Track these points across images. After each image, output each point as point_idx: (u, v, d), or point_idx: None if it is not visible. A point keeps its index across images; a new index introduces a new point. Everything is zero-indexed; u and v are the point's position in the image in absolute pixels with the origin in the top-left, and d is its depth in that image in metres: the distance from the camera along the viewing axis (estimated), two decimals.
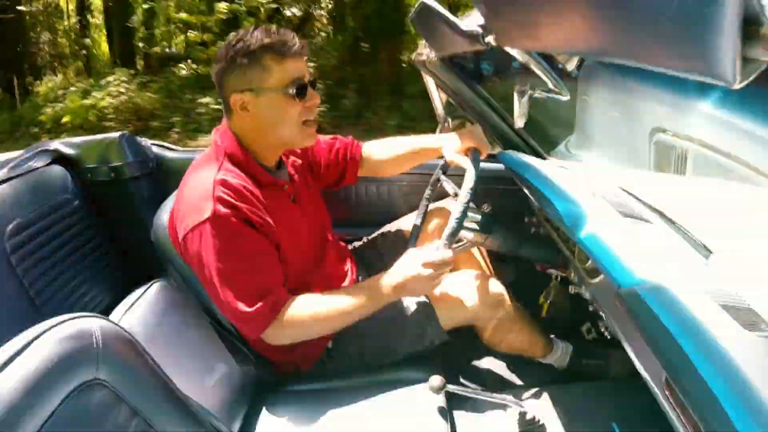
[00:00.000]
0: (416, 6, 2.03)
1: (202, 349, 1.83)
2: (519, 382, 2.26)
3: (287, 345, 1.80)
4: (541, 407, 1.87)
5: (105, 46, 16.26)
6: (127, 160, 2.57)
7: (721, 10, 0.63)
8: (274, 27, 1.72)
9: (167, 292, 1.87)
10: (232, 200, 1.64)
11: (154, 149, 2.76)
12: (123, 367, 1.20)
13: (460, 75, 2.44)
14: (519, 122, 2.23)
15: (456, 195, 1.97)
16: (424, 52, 2.42)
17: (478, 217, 2.10)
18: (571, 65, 1.80)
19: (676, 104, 2.49)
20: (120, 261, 2.58)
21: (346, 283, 2.13)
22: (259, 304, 1.66)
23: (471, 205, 1.85)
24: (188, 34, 10.30)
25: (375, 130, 8.50)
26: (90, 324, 1.16)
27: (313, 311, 1.74)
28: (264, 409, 1.83)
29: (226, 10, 9.36)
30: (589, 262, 1.67)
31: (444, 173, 2.25)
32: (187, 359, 1.73)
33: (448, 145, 2.17)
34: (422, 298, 2.00)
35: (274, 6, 10.34)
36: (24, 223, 2.08)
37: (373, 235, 2.55)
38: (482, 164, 1.99)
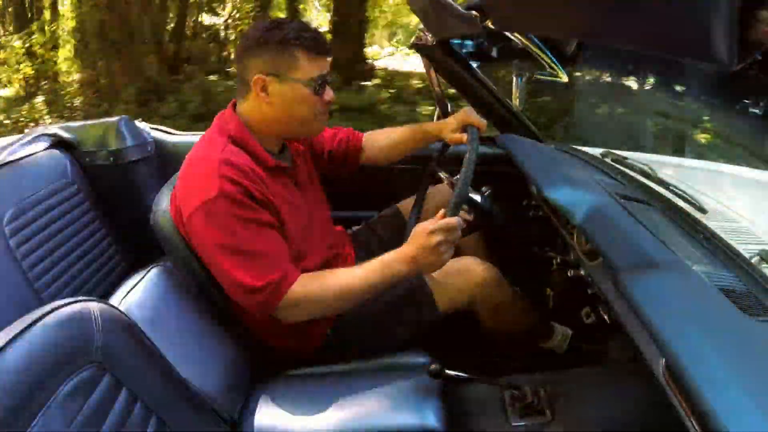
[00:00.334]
0: None
1: (201, 333, 1.83)
2: (517, 366, 2.26)
3: (287, 330, 1.80)
4: (540, 392, 1.87)
5: None
6: (126, 144, 2.56)
7: None
8: (310, 24, 1.79)
9: (167, 276, 1.87)
10: (238, 178, 1.64)
11: (153, 133, 2.76)
12: (123, 350, 1.21)
13: (458, 59, 2.44)
14: (517, 105, 2.23)
15: (452, 184, 1.97)
16: (422, 35, 2.42)
17: (478, 199, 2.10)
18: (569, 48, 1.80)
19: (674, 88, 2.49)
20: (119, 245, 2.58)
21: (345, 267, 2.13)
22: (270, 278, 1.66)
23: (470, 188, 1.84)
24: None
25: None
26: (89, 308, 1.16)
27: (326, 286, 1.74)
28: (263, 393, 1.83)
29: None
30: (588, 245, 1.67)
31: (438, 164, 2.25)
32: (186, 343, 1.73)
33: (445, 127, 2.17)
34: (420, 282, 2.00)
35: None
36: (23, 207, 2.07)
37: (372, 219, 2.56)
38: (481, 148, 1.99)
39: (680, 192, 1.78)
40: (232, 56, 12.39)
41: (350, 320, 1.93)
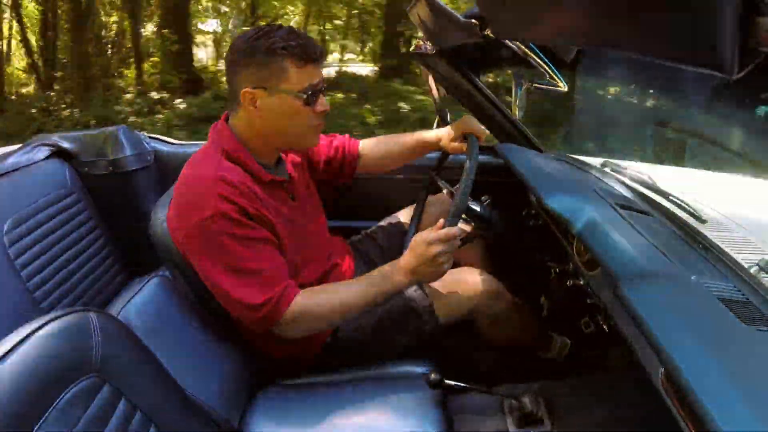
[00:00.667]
0: None
1: (201, 342, 1.82)
2: (516, 376, 2.26)
3: (286, 339, 1.80)
4: (539, 401, 1.87)
5: None
6: (125, 153, 2.57)
7: (720, 0, 0.63)
8: (298, 30, 1.71)
9: (166, 285, 1.87)
10: (233, 196, 1.62)
11: (152, 143, 2.76)
12: (122, 360, 1.21)
13: (458, 67, 2.44)
14: (517, 114, 2.23)
15: (451, 194, 1.97)
16: (421, 44, 2.42)
17: (477, 208, 2.10)
18: (569, 57, 1.80)
19: (675, 96, 2.50)
20: (118, 254, 2.58)
21: (344, 278, 2.13)
22: (269, 295, 1.64)
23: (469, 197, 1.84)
24: None
25: None
26: (88, 318, 1.16)
27: (325, 301, 1.73)
28: (263, 402, 1.83)
29: None
30: (587, 254, 1.67)
31: (437, 173, 2.25)
32: (186, 353, 1.73)
33: (445, 136, 2.17)
34: (420, 292, 1.99)
35: None
36: (22, 216, 2.08)
37: (372, 228, 2.55)
38: (481, 157, 1.99)
39: (679, 201, 1.78)
40: None
41: (350, 329, 1.93)
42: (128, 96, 13.07)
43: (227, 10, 16.80)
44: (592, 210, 1.57)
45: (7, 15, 14.36)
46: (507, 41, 1.89)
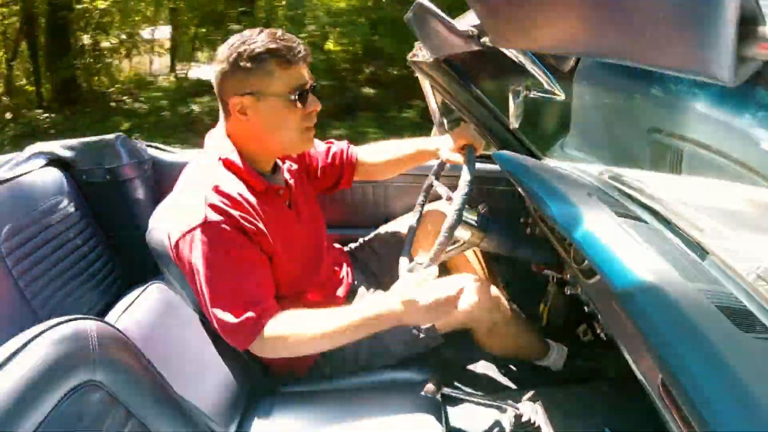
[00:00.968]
0: (412, 6, 2.03)
1: (197, 351, 1.82)
2: (514, 384, 2.26)
3: None
4: (537, 410, 1.87)
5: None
6: (122, 161, 2.57)
7: (718, 9, 0.63)
8: (279, 32, 1.68)
9: (163, 294, 1.87)
10: (225, 207, 1.62)
11: (150, 151, 2.76)
12: (119, 369, 1.20)
13: (456, 76, 2.45)
14: (514, 122, 2.23)
15: (450, 199, 1.97)
16: (419, 52, 2.42)
17: (474, 217, 2.10)
18: (567, 65, 1.80)
19: (672, 104, 2.50)
20: (116, 263, 2.58)
21: (342, 287, 2.12)
22: (245, 316, 1.62)
23: (466, 206, 1.84)
24: None
25: None
26: (86, 326, 1.16)
27: (301, 329, 1.67)
28: (259, 410, 1.83)
29: None
30: (585, 262, 1.67)
31: (437, 179, 2.24)
32: (182, 361, 1.72)
33: (443, 145, 2.16)
34: None
35: None
36: (20, 225, 2.07)
37: (369, 236, 2.55)
38: (478, 165, 1.99)
39: (677, 209, 1.78)
40: None
41: None
42: None
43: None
44: (590, 218, 1.57)
45: None
46: (504, 50, 1.89)
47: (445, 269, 2.42)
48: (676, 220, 1.69)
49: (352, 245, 2.53)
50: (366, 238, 2.54)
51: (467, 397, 1.83)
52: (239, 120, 1.71)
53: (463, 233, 2.10)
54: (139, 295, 1.80)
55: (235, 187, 1.68)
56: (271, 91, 1.66)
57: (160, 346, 1.66)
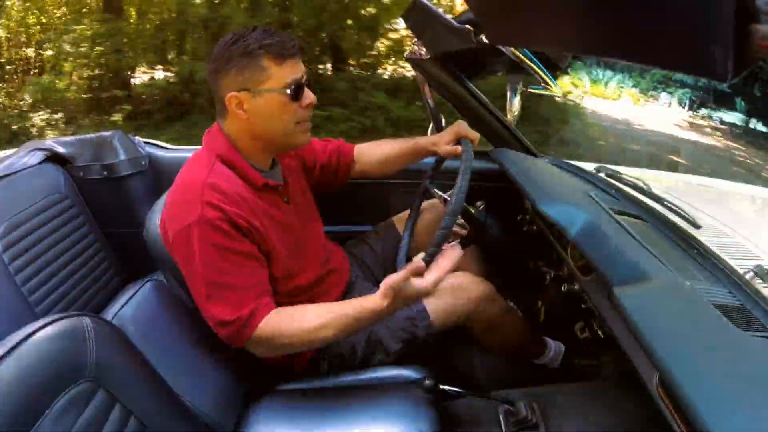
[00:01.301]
0: (409, 4, 2.03)
1: (195, 347, 1.82)
2: (511, 381, 2.26)
3: None
4: (533, 407, 1.87)
5: None
6: (119, 158, 2.56)
7: (715, 7, 0.63)
8: (272, 28, 1.69)
9: (160, 290, 1.87)
10: (221, 203, 1.61)
11: (147, 147, 2.76)
12: (116, 365, 1.20)
13: (452, 73, 2.45)
14: (511, 119, 2.23)
15: (445, 201, 1.97)
16: (415, 49, 2.42)
17: (472, 213, 2.10)
18: (563, 63, 1.81)
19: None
20: (113, 259, 2.58)
21: (339, 283, 2.12)
22: (238, 314, 1.62)
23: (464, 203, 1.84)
24: None
25: None
26: (83, 322, 1.16)
27: (297, 325, 1.67)
28: (257, 407, 1.83)
29: None
30: (582, 259, 1.67)
31: (432, 179, 2.24)
32: (180, 358, 1.73)
33: (440, 140, 2.16)
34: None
35: None
36: (17, 221, 2.07)
37: (367, 232, 2.55)
38: (475, 162, 1.99)
39: (674, 207, 1.78)
40: None
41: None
42: None
43: None
44: (587, 215, 1.57)
45: None
46: (501, 47, 1.89)
47: None
48: (673, 218, 1.69)
49: (349, 242, 2.53)
50: (363, 235, 2.55)
51: (464, 395, 1.83)
52: (237, 116, 1.71)
53: (461, 229, 2.10)
54: (136, 292, 1.80)
55: (232, 184, 1.68)
56: (267, 86, 1.66)
57: (158, 343, 1.66)
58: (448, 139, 2.12)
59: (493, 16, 1.44)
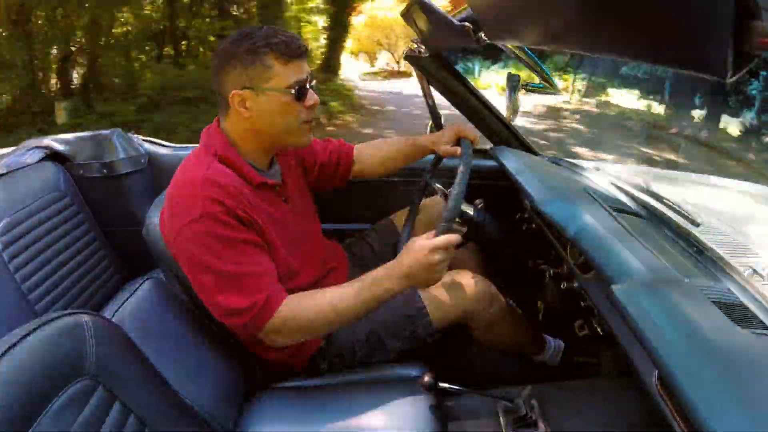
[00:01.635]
0: (408, 1, 2.03)
1: (194, 345, 1.82)
2: (511, 379, 2.26)
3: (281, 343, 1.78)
4: (533, 404, 1.86)
5: None
6: (118, 156, 2.57)
7: (714, 4, 0.63)
8: (279, 28, 1.69)
9: (160, 288, 1.87)
10: (221, 198, 1.61)
11: (146, 145, 2.76)
12: (115, 363, 1.20)
13: (452, 70, 2.45)
14: (510, 118, 2.23)
15: (445, 195, 1.97)
16: (415, 47, 2.42)
17: (471, 211, 2.10)
18: (563, 60, 1.80)
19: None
20: (112, 257, 2.58)
21: (339, 282, 2.12)
22: (254, 300, 1.61)
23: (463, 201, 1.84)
24: None
25: None
26: (82, 320, 1.16)
27: (314, 307, 1.68)
28: (257, 405, 1.83)
29: None
30: (581, 257, 1.67)
31: (432, 175, 2.24)
32: (179, 356, 1.72)
33: (439, 139, 2.16)
34: (414, 296, 1.99)
35: None
36: (16, 219, 2.08)
37: (365, 231, 2.55)
38: (474, 160, 1.99)
39: (673, 205, 1.78)
40: None
41: (343, 333, 1.92)
42: None
43: None
44: (586, 213, 1.57)
45: None
46: (500, 45, 1.89)
47: None
48: (672, 215, 1.69)
49: (348, 240, 2.53)
50: (362, 233, 2.55)
51: (464, 392, 1.83)
52: (239, 113, 1.70)
53: (459, 228, 2.10)
54: (135, 290, 1.80)
55: (231, 180, 1.68)
56: (271, 85, 1.66)
57: (157, 341, 1.66)
58: (447, 138, 2.12)
59: (492, 13, 1.44)
